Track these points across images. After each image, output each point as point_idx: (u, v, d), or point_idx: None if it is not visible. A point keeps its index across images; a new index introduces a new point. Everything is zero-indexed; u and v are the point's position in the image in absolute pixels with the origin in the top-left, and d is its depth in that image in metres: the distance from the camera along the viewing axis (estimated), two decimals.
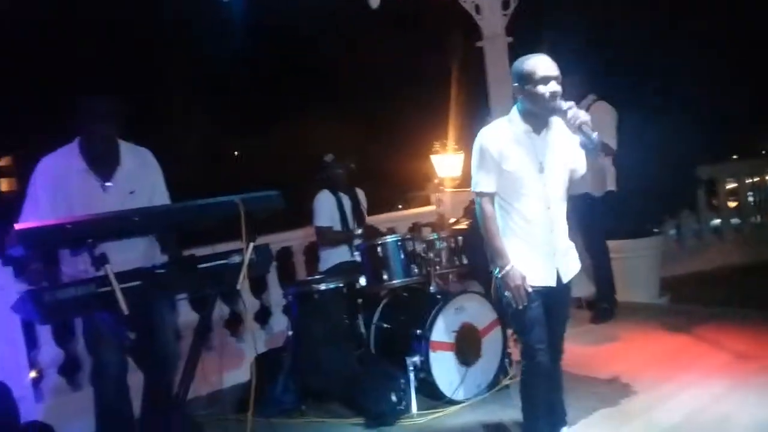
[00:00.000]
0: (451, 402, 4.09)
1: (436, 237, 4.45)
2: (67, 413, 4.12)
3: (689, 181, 7.94)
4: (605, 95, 5.51)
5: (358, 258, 4.69)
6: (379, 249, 4.39)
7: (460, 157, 6.87)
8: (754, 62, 9.55)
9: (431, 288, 4.38)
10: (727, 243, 7.82)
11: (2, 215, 3.81)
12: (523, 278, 3.02)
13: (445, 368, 4.11)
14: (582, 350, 4.71)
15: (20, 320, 3.86)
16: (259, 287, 5.31)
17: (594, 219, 5.45)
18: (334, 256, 4.96)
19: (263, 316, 5.42)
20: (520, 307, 3.02)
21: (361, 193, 5.24)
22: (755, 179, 8.45)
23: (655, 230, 6.62)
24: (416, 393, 4.06)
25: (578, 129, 2.92)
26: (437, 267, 4.40)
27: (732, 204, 8.25)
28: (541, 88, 2.96)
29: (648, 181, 6.92)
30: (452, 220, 5.00)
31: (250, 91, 18.84)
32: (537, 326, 3.08)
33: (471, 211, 4.38)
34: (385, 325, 4.48)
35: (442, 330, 4.13)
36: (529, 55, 3.06)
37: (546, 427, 3.20)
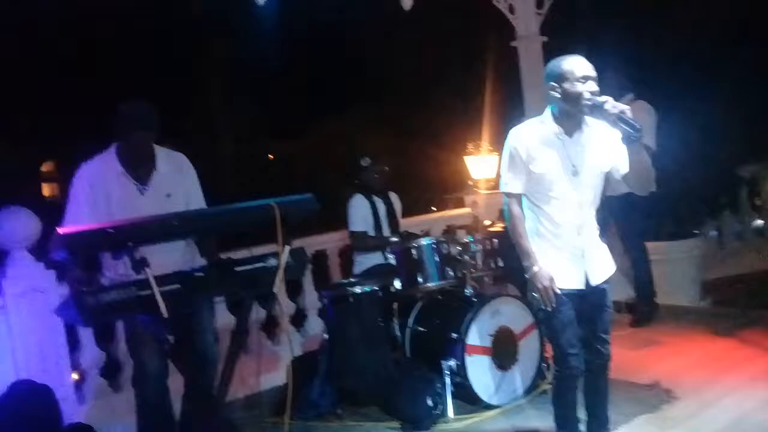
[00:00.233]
0: (488, 407, 4.06)
1: (471, 239, 4.42)
2: (108, 415, 4.19)
3: (730, 180, 7.78)
4: (644, 94, 5.42)
5: (392, 261, 4.68)
6: (413, 251, 4.37)
7: (495, 158, 6.81)
8: None
9: (467, 291, 4.35)
10: None
11: (45, 220, 3.90)
12: (551, 279, 2.99)
13: (481, 372, 4.08)
14: (621, 354, 4.60)
15: (63, 323, 3.93)
16: (294, 290, 5.33)
17: (633, 220, 5.37)
18: (369, 259, 4.96)
19: (299, 319, 5.44)
20: (549, 308, 2.99)
21: (395, 197, 5.22)
22: None
23: (696, 231, 6.49)
24: (452, 397, 4.04)
25: (618, 119, 2.83)
26: (472, 270, 4.37)
27: None
28: (580, 86, 2.92)
29: (688, 182, 6.81)
30: (487, 223, 4.96)
31: (284, 94, 18.95)
32: (568, 329, 3.04)
33: None
34: (421, 329, 4.46)
35: (478, 334, 4.10)
36: (565, 56, 3.02)
37: None
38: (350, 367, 4.23)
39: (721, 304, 6.10)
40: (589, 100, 2.90)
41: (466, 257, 4.34)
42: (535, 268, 3.01)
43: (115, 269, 3.31)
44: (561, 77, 2.96)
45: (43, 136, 19.12)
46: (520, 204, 3.11)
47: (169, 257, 3.31)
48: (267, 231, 3.22)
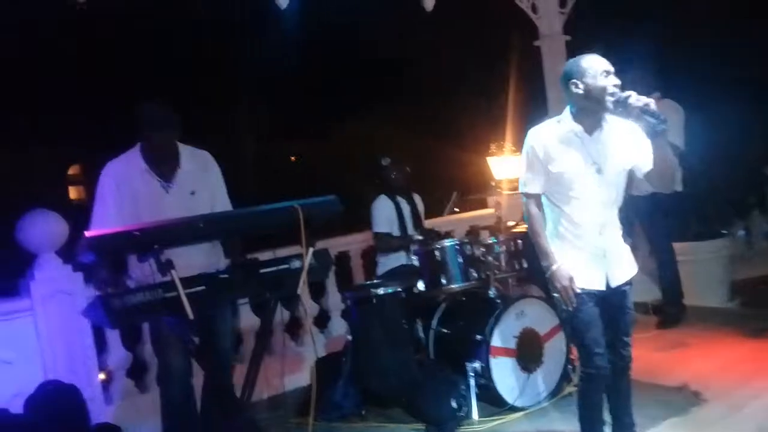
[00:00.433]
0: (513, 409, 4.03)
1: (494, 240, 4.39)
2: (134, 415, 4.24)
3: (759, 180, 7.65)
4: (670, 93, 5.35)
5: (416, 262, 4.67)
6: (437, 253, 4.36)
7: (518, 158, 6.76)
8: None
9: (491, 292, 4.32)
10: None
11: (72, 223, 3.96)
12: (571, 279, 2.96)
13: (506, 374, 4.05)
14: (649, 357, 4.58)
15: (90, 324, 3.97)
16: (318, 291, 5.34)
17: (660, 220, 5.31)
18: (392, 260, 4.95)
19: (322, 320, 5.45)
20: (570, 308, 2.97)
21: (417, 198, 5.22)
22: None
23: (724, 231, 6.39)
24: (477, 399, 4.02)
25: (643, 112, 2.79)
26: (496, 271, 4.34)
27: None
28: (602, 80, 2.89)
29: (715, 181, 6.71)
30: (511, 223, 4.93)
31: (305, 95, 19.04)
32: (592, 329, 3.01)
33: None
34: (444, 330, 4.45)
35: (502, 335, 4.07)
36: (583, 55, 3.01)
37: None
38: (374, 368, 4.23)
39: (750, 305, 5.99)
40: (612, 94, 2.87)
41: (490, 258, 4.31)
42: (554, 267, 2.99)
43: (142, 271, 3.33)
44: (583, 73, 2.93)
45: (70, 139, 19.39)
46: (538, 204, 3.11)
47: (195, 259, 3.33)
48: (291, 232, 3.23)
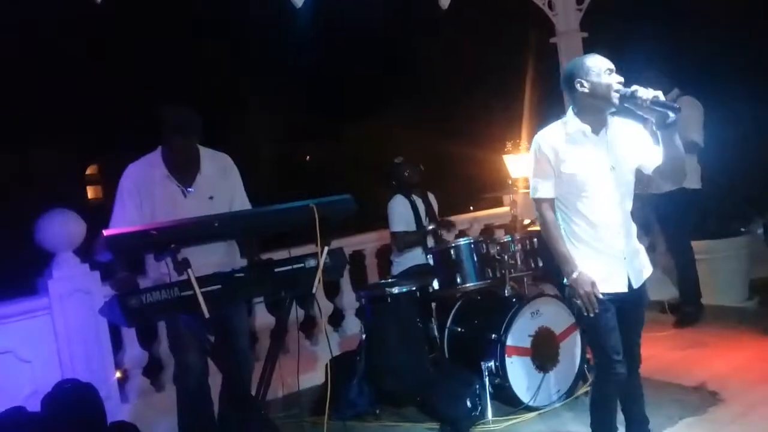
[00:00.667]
0: (528, 408, 4.01)
1: (509, 239, 4.37)
2: (151, 413, 4.27)
3: None
4: (689, 89, 5.30)
5: (431, 261, 4.66)
6: (452, 252, 4.35)
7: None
8: None
9: (506, 291, 4.31)
10: None
11: (89, 222, 3.99)
12: (593, 284, 2.91)
13: (521, 374, 4.04)
14: (666, 356, 4.55)
15: (107, 323, 4.01)
16: (332, 290, 5.35)
17: (678, 218, 5.27)
18: (408, 259, 4.95)
19: (337, 319, 5.46)
20: (591, 314, 2.91)
21: (432, 196, 5.22)
22: None
23: (743, 230, 6.32)
24: (492, 399, 4.00)
25: (653, 104, 2.77)
26: (511, 270, 4.32)
27: None
28: (607, 78, 2.89)
29: (734, 179, 6.63)
30: (526, 222, 4.90)
31: (321, 95, 19.08)
32: (612, 336, 2.97)
33: None
34: (459, 329, 4.43)
35: (518, 334, 4.06)
36: (585, 55, 3.02)
37: None
38: (388, 367, 4.23)
39: None
40: (617, 90, 2.86)
41: (505, 257, 4.29)
42: (575, 274, 2.93)
43: (159, 270, 3.35)
44: (587, 72, 2.91)
45: (88, 140, 19.56)
46: (553, 208, 3.05)
47: (211, 258, 3.35)
48: (306, 232, 3.24)
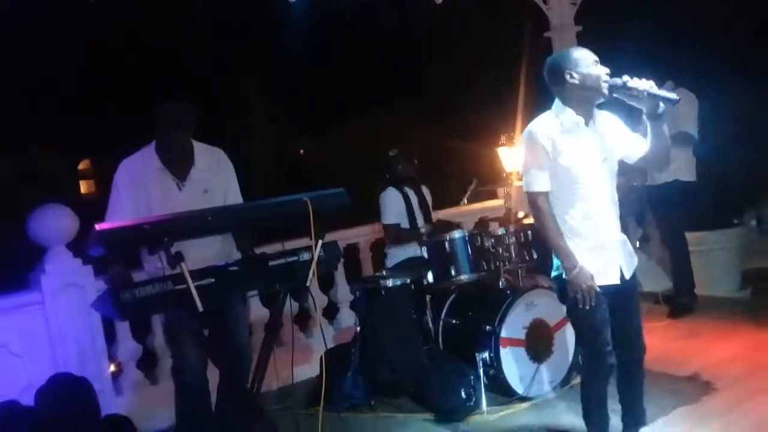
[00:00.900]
0: (523, 399, 4.03)
1: (504, 232, 4.37)
2: (145, 407, 4.26)
3: None
4: (683, 81, 5.30)
5: (425, 253, 4.66)
6: (446, 244, 4.35)
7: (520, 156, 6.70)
8: None
9: (500, 283, 4.31)
10: None
11: (82, 216, 3.98)
12: (592, 278, 2.91)
13: (515, 365, 4.05)
14: (660, 346, 4.56)
15: (100, 317, 4.00)
16: (327, 283, 5.35)
17: (673, 209, 5.29)
18: (402, 252, 4.95)
19: (331, 311, 5.46)
20: (587, 307, 2.90)
21: (426, 189, 5.21)
22: None
23: (736, 221, 6.34)
24: (486, 389, 4.01)
25: (649, 95, 2.79)
26: (506, 262, 4.33)
27: None
28: (595, 69, 2.90)
29: (727, 170, 6.65)
30: (521, 215, 4.91)
31: (316, 89, 19.05)
32: (605, 329, 2.98)
33: None
34: (454, 321, 4.44)
35: (512, 326, 4.07)
36: (569, 48, 3.03)
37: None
38: (383, 359, 4.23)
39: (762, 294, 5.96)
40: (607, 81, 2.88)
41: (500, 249, 4.30)
42: (576, 270, 2.90)
43: (154, 263, 3.35)
44: (576, 63, 2.91)
45: (80, 134, 19.49)
46: (548, 201, 2.99)
47: (206, 252, 3.35)
48: (300, 225, 3.24)
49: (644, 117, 2.91)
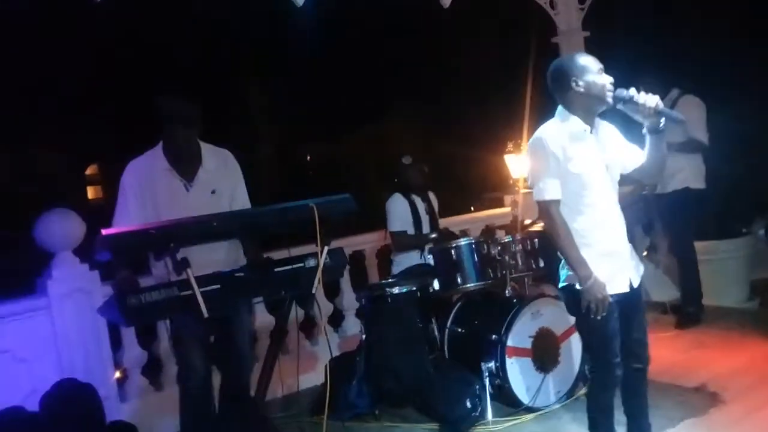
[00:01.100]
0: (529, 409, 3.99)
1: (510, 239, 4.36)
2: (149, 413, 4.25)
3: None
4: (691, 87, 5.28)
5: (431, 261, 4.65)
6: (452, 252, 4.33)
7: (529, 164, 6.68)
8: None
9: (506, 292, 4.29)
10: None
11: (90, 222, 3.98)
12: (604, 287, 2.89)
13: (521, 375, 4.02)
14: (667, 357, 4.53)
15: (106, 323, 3.99)
16: (332, 290, 5.34)
17: (681, 218, 5.26)
18: (408, 259, 4.93)
19: (336, 319, 5.45)
20: (599, 317, 2.87)
21: (433, 196, 5.20)
22: None
23: (744, 230, 6.31)
24: (492, 399, 3.99)
25: (656, 112, 2.78)
26: (512, 270, 4.30)
27: None
28: (601, 78, 2.88)
29: (736, 179, 6.62)
30: (527, 222, 4.89)
31: (321, 94, 19.06)
32: (615, 339, 2.96)
33: None
34: (460, 330, 4.42)
35: (518, 335, 4.04)
36: (573, 54, 3.01)
37: None
38: (388, 367, 4.21)
39: None
40: (613, 91, 2.87)
41: (506, 257, 4.28)
42: (591, 280, 2.85)
43: (161, 269, 3.34)
44: (582, 71, 2.90)
45: (88, 139, 19.54)
46: (559, 211, 2.94)
47: (213, 257, 3.33)
48: (306, 231, 3.23)
49: (644, 131, 2.90)
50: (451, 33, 15.04)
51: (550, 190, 2.93)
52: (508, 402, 4.03)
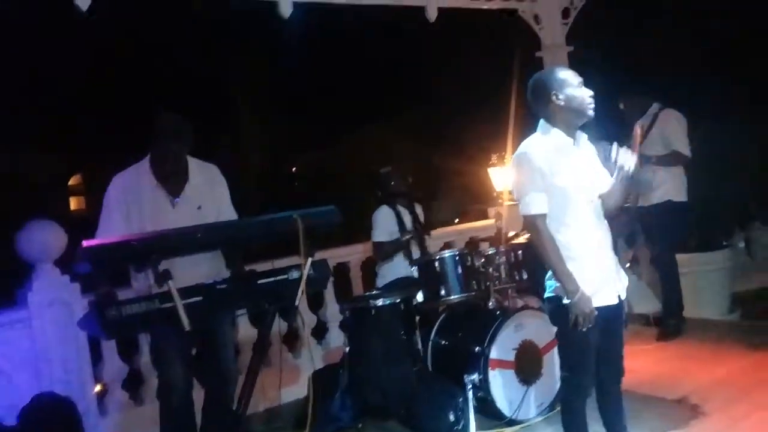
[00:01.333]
0: (511, 422, 3.99)
1: (494, 251, 4.37)
2: (129, 428, 4.21)
3: (760, 190, 7.63)
4: (672, 102, 5.34)
5: (415, 273, 4.64)
6: (436, 264, 4.34)
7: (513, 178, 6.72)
8: None
9: (490, 304, 4.30)
10: None
11: (72, 233, 3.94)
12: (591, 301, 2.89)
13: (504, 387, 4.02)
14: (649, 369, 4.55)
15: (86, 335, 3.95)
16: (316, 303, 5.32)
17: (664, 230, 5.30)
18: (392, 271, 4.92)
19: (320, 331, 5.42)
20: (584, 329, 2.87)
21: (419, 208, 5.20)
22: None
23: (725, 243, 6.37)
24: (475, 412, 3.97)
25: (629, 176, 2.89)
26: (496, 282, 4.31)
27: None
28: (580, 91, 2.92)
29: (716, 191, 6.68)
30: (511, 234, 4.90)
31: (307, 106, 19.08)
32: (591, 352, 2.97)
33: None
34: (443, 342, 4.42)
35: (501, 347, 4.04)
36: (553, 67, 3.05)
37: None
38: (371, 380, 4.19)
39: (751, 317, 5.97)
40: (590, 103, 2.91)
41: (490, 269, 4.29)
42: (578, 295, 2.84)
43: (143, 281, 3.31)
44: (561, 84, 2.92)
45: (71, 150, 19.41)
46: (546, 223, 2.94)
47: (196, 269, 3.31)
48: (290, 243, 3.22)
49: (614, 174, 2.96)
50: (437, 47, 15.11)
51: (537, 204, 2.92)
52: (491, 414, 4.03)
